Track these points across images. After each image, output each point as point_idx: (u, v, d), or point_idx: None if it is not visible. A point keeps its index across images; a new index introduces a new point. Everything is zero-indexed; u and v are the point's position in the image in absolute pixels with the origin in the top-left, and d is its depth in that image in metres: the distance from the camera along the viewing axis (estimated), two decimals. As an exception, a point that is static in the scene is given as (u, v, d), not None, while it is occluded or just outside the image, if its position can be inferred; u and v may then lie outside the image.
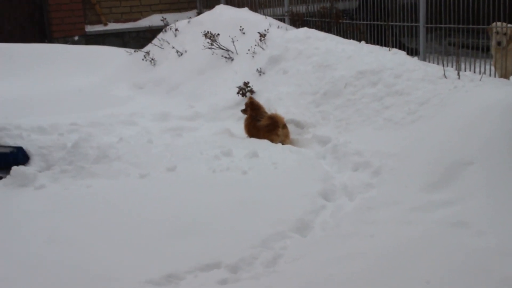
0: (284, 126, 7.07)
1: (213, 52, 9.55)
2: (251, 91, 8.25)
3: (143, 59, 10.65)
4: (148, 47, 11.09)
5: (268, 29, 9.24)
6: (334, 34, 9.33)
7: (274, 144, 6.85)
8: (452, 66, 7.49)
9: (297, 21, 10.36)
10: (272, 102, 7.80)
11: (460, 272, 3.92)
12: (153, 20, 13.80)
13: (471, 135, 5.42)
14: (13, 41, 12.16)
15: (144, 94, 9.77)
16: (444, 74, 6.77)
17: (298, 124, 7.40)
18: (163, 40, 10.83)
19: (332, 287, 3.97)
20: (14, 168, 5.94)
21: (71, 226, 4.98)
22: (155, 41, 11.06)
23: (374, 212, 4.98)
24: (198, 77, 9.44)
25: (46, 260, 4.42)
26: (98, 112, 8.50)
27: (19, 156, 6.41)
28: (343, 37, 9.20)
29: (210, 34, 9.53)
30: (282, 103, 7.73)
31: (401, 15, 8.91)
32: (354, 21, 9.69)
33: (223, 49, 9.47)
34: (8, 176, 5.91)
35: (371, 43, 8.61)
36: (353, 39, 8.96)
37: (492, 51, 7.83)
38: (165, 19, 11.52)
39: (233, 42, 9.37)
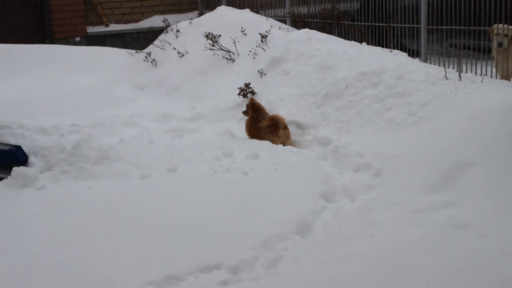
0: (285, 127, 7.07)
1: (214, 53, 9.55)
2: (252, 92, 8.24)
3: (144, 60, 10.64)
4: (150, 48, 11.09)
5: (269, 30, 9.24)
6: (335, 35, 9.32)
7: (275, 145, 6.85)
8: (453, 68, 7.48)
9: (298, 22, 10.35)
10: (273, 103, 7.80)
11: (460, 272, 3.91)
12: (155, 21, 13.79)
13: (472, 137, 5.42)
14: (14, 42, 12.13)
15: (145, 95, 9.77)
16: (446, 76, 6.76)
17: (299, 125, 7.40)
18: (164, 41, 10.83)
19: (332, 288, 3.97)
20: (15, 168, 5.95)
21: (71, 226, 4.98)
22: (156, 42, 11.06)
23: (375, 213, 4.97)
24: (199, 78, 9.44)
25: (47, 260, 4.41)
26: (99, 112, 8.49)
27: (17, 155, 6.41)
28: (345, 38, 9.18)
29: (211, 35, 9.53)
30: (283, 104, 7.73)
31: (403, 16, 8.90)
32: (356, 23, 9.68)
33: (224, 50, 9.47)
34: (9, 177, 5.91)
35: (372, 45, 8.60)
36: (355, 40, 8.95)
37: (494, 52, 7.84)
38: (167, 20, 11.54)
39: (234, 43, 9.37)
